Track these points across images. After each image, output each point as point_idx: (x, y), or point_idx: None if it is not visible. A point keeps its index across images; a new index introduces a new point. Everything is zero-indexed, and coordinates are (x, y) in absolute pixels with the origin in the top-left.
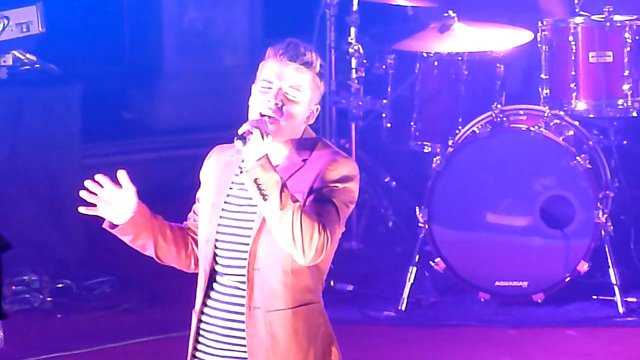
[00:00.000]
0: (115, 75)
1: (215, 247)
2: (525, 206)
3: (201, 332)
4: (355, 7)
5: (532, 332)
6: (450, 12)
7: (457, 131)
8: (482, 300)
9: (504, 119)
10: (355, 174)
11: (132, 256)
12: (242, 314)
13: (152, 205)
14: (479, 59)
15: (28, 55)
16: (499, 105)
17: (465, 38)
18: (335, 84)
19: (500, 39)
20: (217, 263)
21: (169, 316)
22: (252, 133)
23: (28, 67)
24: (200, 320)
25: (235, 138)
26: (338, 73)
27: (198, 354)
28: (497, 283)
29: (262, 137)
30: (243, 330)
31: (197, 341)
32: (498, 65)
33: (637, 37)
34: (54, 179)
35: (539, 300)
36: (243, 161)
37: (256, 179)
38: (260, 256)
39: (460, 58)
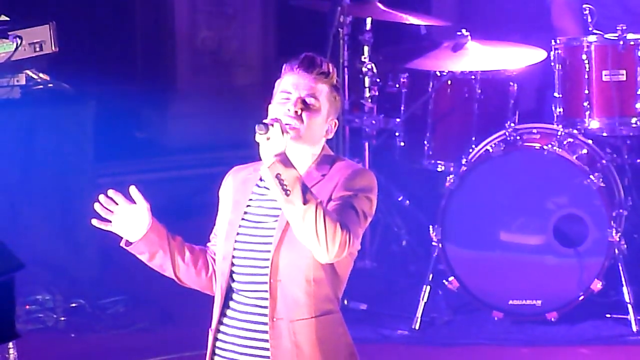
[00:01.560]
0: (128, 94)
1: (232, 264)
2: (538, 225)
3: (217, 350)
4: (368, 26)
5: (545, 350)
6: (464, 30)
7: (471, 150)
8: (495, 318)
9: (517, 137)
10: (374, 186)
11: (145, 275)
12: (264, 324)
13: (165, 224)
14: (492, 78)
15: (41, 75)
16: (512, 124)
17: (479, 57)
18: (349, 103)
19: (513, 58)
20: (233, 280)
21: (183, 335)
22: (272, 125)
23: (41, 86)
24: (216, 339)
25: (257, 125)
26: (351, 92)
27: None
28: (510, 302)
29: (282, 133)
30: (265, 341)
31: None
32: (511, 84)
33: None
34: (67, 199)
35: (553, 319)
36: (263, 168)
37: (278, 174)
38: (281, 267)
39: (473, 77)
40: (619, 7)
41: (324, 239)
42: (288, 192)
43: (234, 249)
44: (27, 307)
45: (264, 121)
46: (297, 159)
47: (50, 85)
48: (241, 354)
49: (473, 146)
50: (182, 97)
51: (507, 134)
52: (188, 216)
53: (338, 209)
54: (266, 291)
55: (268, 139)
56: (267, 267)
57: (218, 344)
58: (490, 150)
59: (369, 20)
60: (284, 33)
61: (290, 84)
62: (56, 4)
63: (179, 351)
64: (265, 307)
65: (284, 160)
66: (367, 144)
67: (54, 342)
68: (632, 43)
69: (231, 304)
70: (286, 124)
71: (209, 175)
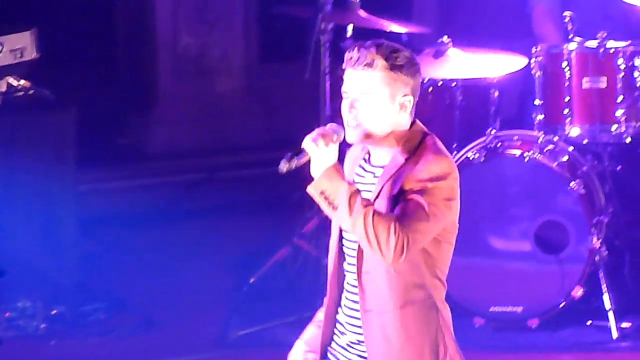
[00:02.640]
0: (110, 101)
1: (342, 245)
2: (519, 231)
3: (335, 332)
4: (349, 33)
5: (526, 357)
6: (445, 37)
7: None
8: (476, 325)
9: (498, 144)
10: (448, 171)
11: (126, 282)
12: (360, 315)
13: (147, 231)
14: (474, 85)
15: (22, 82)
16: (493, 131)
17: (460, 64)
18: (331, 109)
19: (494, 65)
20: (342, 265)
21: (164, 342)
22: (302, 153)
23: (22, 93)
24: (336, 312)
25: (282, 164)
26: (333, 99)
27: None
28: (491, 308)
29: (327, 145)
30: (361, 333)
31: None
32: (492, 90)
33: (630, 63)
34: (48, 205)
35: (534, 326)
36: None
37: (322, 191)
38: (366, 258)
39: (454, 84)
40: (600, 14)
41: (376, 247)
42: (335, 207)
43: (341, 230)
44: (8, 314)
45: (291, 156)
46: (382, 147)
47: (31, 91)
48: (350, 332)
49: (454, 153)
50: (164, 104)
51: (488, 140)
52: (170, 222)
53: (403, 205)
54: (357, 280)
55: (309, 159)
56: (355, 256)
57: (338, 317)
58: (471, 157)
59: (350, 27)
60: (265, 39)
61: (346, 82)
62: (37, 10)
63: (160, 358)
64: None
65: (331, 174)
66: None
67: (35, 349)
68: (612, 50)
69: (344, 283)
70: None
71: (191, 181)
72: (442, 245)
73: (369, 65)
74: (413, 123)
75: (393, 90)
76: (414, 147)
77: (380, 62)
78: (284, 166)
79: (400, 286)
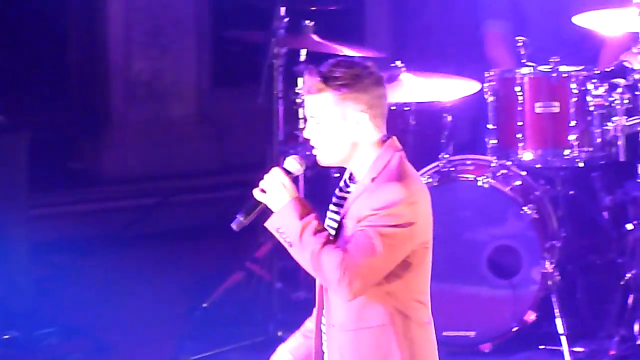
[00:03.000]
0: (62, 124)
1: None
2: (472, 256)
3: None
4: (303, 58)
5: None
6: (398, 62)
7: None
8: None
9: (452, 169)
10: (400, 197)
11: (79, 307)
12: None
13: (101, 255)
14: (427, 109)
15: None
16: (446, 155)
17: (413, 88)
18: (283, 134)
19: (447, 89)
20: None
21: None
22: (254, 205)
23: None
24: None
25: (237, 221)
26: (286, 123)
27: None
28: (444, 333)
29: (277, 186)
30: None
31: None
32: (445, 115)
33: (583, 88)
34: (0, 230)
35: (487, 350)
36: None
37: (277, 228)
38: None
39: (407, 108)
40: (553, 39)
41: (328, 282)
42: (290, 243)
43: None
44: None
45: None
46: (354, 170)
47: None
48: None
49: None
50: (116, 128)
51: (441, 165)
52: (123, 247)
53: (354, 238)
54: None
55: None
56: None
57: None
58: (425, 182)
59: (303, 51)
60: (218, 64)
61: (305, 107)
62: None
63: None
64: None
65: (283, 212)
66: (302, 177)
67: None
68: (565, 75)
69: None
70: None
71: (144, 206)
72: (414, 267)
73: (316, 90)
74: (387, 139)
75: (343, 109)
76: (382, 165)
77: (323, 85)
78: (238, 224)
79: (358, 308)
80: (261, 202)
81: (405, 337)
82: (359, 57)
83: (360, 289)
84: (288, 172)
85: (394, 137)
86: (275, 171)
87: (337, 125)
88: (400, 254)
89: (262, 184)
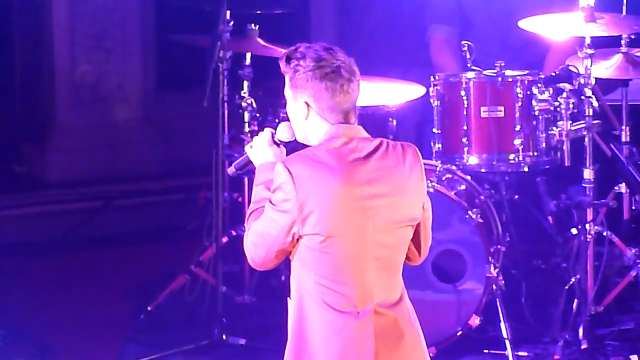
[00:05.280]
0: (6, 128)
1: None
2: None
3: None
4: (248, 61)
5: None
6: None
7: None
8: None
9: None
10: (280, 181)
11: (23, 310)
12: None
13: (45, 259)
14: (372, 113)
15: None
16: None
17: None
18: (228, 138)
19: (392, 94)
20: None
21: None
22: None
23: None
24: None
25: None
26: (231, 127)
27: None
28: None
29: (260, 145)
30: None
31: None
32: (390, 119)
33: (528, 92)
34: None
35: (431, 355)
36: None
37: (256, 184)
38: None
39: None
40: (498, 43)
41: None
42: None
43: None
44: None
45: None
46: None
47: None
48: None
49: None
50: (61, 131)
51: None
52: (67, 250)
53: None
54: None
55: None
56: None
57: None
58: None
59: (248, 55)
60: (164, 67)
61: None
62: None
63: None
64: None
65: (259, 169)
66: (246, 180)
67: None
68: (510, 79)
69: None
70: None
71: (89, 209)
72: (316, 253)
73: (282, 70)
74: (341, 128)
75: (295, 95)
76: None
77: (283, 67)
78: (232, 173)
79: (294, 278)
80: (246, 156)
81: (307, 318)
82: (326, 46)
83: (248, 255)
84: (278, 139)
85: (349, 126)
86: (265, 132)
87: (291, 107)
88: (280, 233)
89: (253, 140)
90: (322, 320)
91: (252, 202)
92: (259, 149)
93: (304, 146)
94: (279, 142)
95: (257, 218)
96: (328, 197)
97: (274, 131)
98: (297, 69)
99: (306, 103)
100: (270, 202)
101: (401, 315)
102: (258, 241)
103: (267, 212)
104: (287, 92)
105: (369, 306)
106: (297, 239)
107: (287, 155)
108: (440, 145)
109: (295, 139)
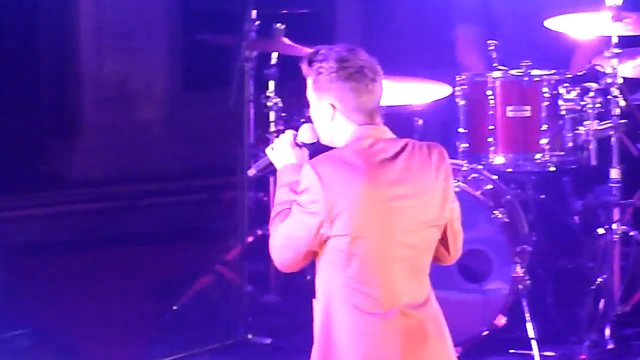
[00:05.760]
0: (32, 127)
1: None
2: None
3: None
4: (273, 61)
5: None
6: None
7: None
8: None
9: None
10: (308, 183)
11: (49, 308)
12: None
13: (70, 257)
14: (398, 113)
15: None
16: None
17: (384, 92)
18: (254, 138)
19: (418, 93)
20: None
21: None
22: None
23: None
24: None
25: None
26: (256, 126)
27: None
28: None
29: (282, 147)
30: None
31: None
32: (416, 119)
33: (554, 92)
34: None
35: (457, 354)
36: None
37: (279, 185)
38: None
39: None
40: (524, 43)
41: None
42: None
43: None
44: None
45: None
46: None
47: None
48: None
49: None
50: (86, 130)
51: None
52: (93, 249)
53: None
54: None
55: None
56: None
57: None
58: None
59: (274, 54)
60: (189, 67)
61: None
62: None
63: None
64: None
65: (281, 172)
66: (272, 179)
67: None
68: (536, 79)
69: None
70: None
71: (114, 208)
72: (343, 254)
73: (304, 72)
74: (367, 129)
75: (318, 97)
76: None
77: (305, 69)
78: (252, 174)
79: (320, 280)
80: (267, 158)
81: (334, 320)
82: (348, 46)
83: (275, 258)
84: (300, 141)
85: (375, 127)
86: (286, 134)
87: (315, 109)
88: (308, 235)
89: (275, 142)
90: (348, 321)
91: (276, 204)
92: (281, 151)
93: (326, 147)
94: (300, 144)
95: (282, 220)
96: (355, 198)
97: (295, 133)
98: (320, 71)
99: (331, 105)
100: (298, 204)
101: (427, 317)
102: (285, 243)
103: (294, 214)
104: (310, 94)
105: (396, 307)
106: (325, 241)
107: (309, 157)
108: (466, 145)
109: (317, 140)
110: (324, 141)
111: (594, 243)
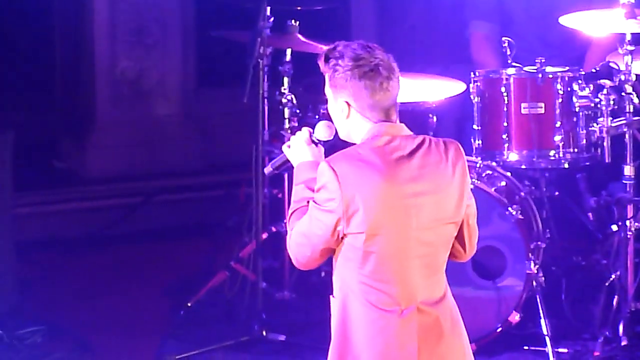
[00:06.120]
0: (47, 123)
1: None
2: None
3: None
4: (288, 57)
5: None
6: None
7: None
8: None
9: None
10: (325, 180)
11: (63, 305)
12: None
13: (85, 254)
14: (412, 110)
15: None
16: None
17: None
18: (269, 134)
19: (432, 90)
20: None
21: None
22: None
23: None
24: None
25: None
26: (271, 123)
27: None
28: None
29: (299, 145)
30: None
31: None
32: (430, 115)
33: (568, 89)
34: None
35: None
36: None
37: (295, 183)
38: None
39: None
40: (538, 40)
41: None
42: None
43: None
44: None
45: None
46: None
47: None
48: None
49: None
50: (101, 127)
51: None
52: (108, 246)
53: None
54: None
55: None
56: None
57: None
58: None
59: (289, 51)
60: (204, 63)
61: None
62: None
63: None
64: None
65: (298, 169)
66: (286, 175)
67: None
68: (550, 76)
69: None
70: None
71: (129, 205)
72: (360, 252)
73: (321, 69)
74: (383, 126)
75: (335, 94)
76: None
77: (322, 66)
78: (268, 172)
79: (337, 277)
80: (283, 156)
81: (351, 317)
82: (364, 44)
83: (293, 255)
84: (316, 138)
85: (391, 124)
86: (303, 131)
87: (332, 106)
88: (325, 233)
89: (291, 139)
90: (365, 319)
91: (293, 202)
92: (297, 149)
93: (342, 144)
94: (317, 142)
95: (299, 218)
96: (372, 195)
97: (312, 130)
98: (336, 69)
99: (346, 102)
100: (315, 201)
101: (444, 313)
102: (302, 241)
103: (311, 211)
104: (328, 91)
105: (413, 304)
106: (342, 238)
107: (325, 154)
108: (480, 142)
109: (333, 137)
110: (342, 137)
111: (608, 240)
